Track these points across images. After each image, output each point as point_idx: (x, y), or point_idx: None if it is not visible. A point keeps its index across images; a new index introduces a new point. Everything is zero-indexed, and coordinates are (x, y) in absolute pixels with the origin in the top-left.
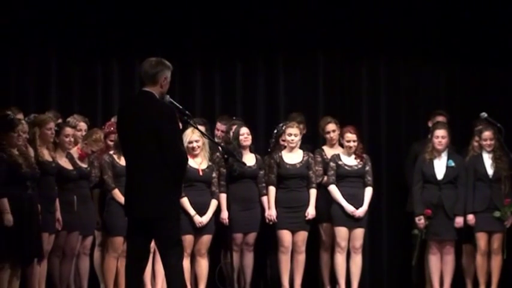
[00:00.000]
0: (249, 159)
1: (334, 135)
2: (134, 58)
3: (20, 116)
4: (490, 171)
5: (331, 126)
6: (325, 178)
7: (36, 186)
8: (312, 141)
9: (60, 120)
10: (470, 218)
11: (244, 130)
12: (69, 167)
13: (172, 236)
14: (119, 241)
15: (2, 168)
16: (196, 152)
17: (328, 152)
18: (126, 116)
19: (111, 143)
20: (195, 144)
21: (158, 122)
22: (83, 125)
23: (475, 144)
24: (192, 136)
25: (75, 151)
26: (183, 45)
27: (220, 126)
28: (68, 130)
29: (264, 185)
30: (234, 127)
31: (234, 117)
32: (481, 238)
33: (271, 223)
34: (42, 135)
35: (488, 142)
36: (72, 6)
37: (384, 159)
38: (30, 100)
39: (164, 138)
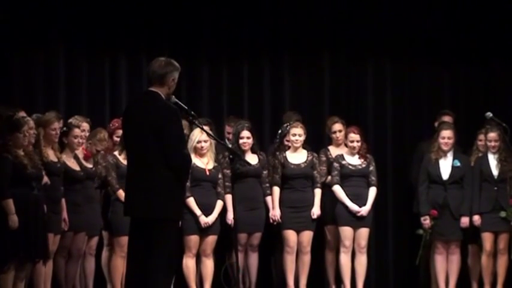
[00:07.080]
0: (251, 159)
1: (341, 135)
2: (142, 56)
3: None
4: (495, 172)
5: (337, 126)
6: (329, 178)
7: (42, 186)
8: (318, 141)
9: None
10: (476, 218)
11: (244, 133)
12: (76, 167)
13: (164, 244)
14: (125, 241)
15: (7, 169)
16: (204, 152)
17: (334, 152)
18: (131, 115)
19: (118, 139)
20: (203, 144)
21: (162, 122)
22: (85, 126)
23: (479, 143)
24: (201, 136)
25: (80, 151)
26: (191, 45)
27: (229, 129)
28: (77, 131)
29: (267, 185)
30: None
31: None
32: (487, 238)
33: (275, 223)
34: (47, 136)
35: (493, 144)
36: (79, 3)
37: (389, 159)
38: (37, 98)
39: (168, 140)
